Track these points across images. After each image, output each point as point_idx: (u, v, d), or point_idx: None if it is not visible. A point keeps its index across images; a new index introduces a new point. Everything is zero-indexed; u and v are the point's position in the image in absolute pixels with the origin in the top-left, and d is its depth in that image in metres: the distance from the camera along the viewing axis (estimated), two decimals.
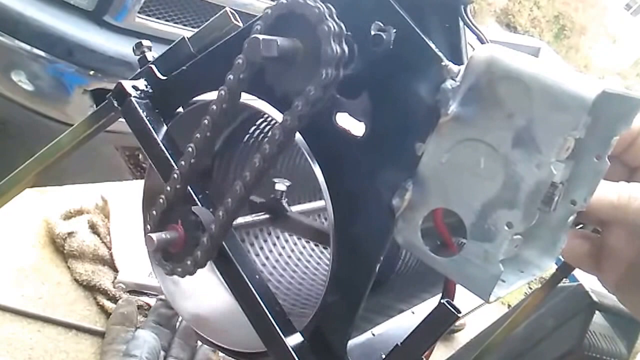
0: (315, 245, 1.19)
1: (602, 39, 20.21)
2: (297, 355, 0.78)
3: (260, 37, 0.71)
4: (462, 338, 3.87)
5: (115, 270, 2.68)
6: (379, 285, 0.92)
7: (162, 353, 2.39)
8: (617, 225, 0.74)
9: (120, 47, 2.10)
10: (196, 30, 1.00)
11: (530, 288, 3.08)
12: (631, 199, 0.69)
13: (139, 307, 2.56)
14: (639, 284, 0.75)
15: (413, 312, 1.01)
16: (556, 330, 3.06)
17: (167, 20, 2.23)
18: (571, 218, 0.71)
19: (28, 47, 1.98)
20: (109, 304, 2.54)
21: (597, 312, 2.97)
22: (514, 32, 16.63)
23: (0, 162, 1.97)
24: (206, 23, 0.99)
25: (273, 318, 0.80)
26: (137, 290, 2.65)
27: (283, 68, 0.75)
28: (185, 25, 2.28)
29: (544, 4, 17.86)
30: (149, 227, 0.88)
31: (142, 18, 2.16)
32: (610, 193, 0.69)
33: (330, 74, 0.70)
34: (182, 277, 0.85)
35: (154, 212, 0.87)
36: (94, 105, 2.06)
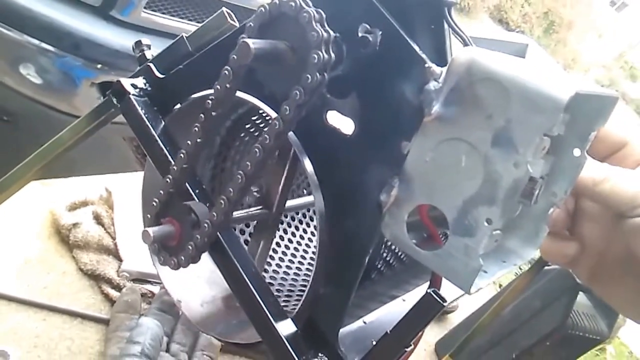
0: (309, 240, 1.20)
1: (589, 33, 20.23)
2: (290, 344, 0.79)
3: (249, 41, 0.71)
4: (455, 319, 3.89)
5: (120, 259, 2.69)
6: (371, 273, 0.92)
7: (166, 339, 2.40)
8: (590, 212, 0.76)
9: (127, 41, 2.08)
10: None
11: (521, 269, 3.11)
12: (606, 178, 0.69)
13: (143, 294, 2.57)
14: (611, 274, 0.76)
15: (404, 300, 1.01)
16: (542, 310, 3.11)
17: (172, 15, 2.22)
18: (552, 209, 0.71)
19: (36, 42, 1.97)
20: (113, 293, 2.55)
21: (580, 292, 3.01)
22: (506, 27, 16.66)
23: (10, 153, 1.97)
24: (203, 23, 0.99)
25: (266, 308, 0.80)
26: (140, 278, 2.66)
27: (274, 69, 0.75)
28: (190, 20, 2.27)
29: (534, 0, 17.88)
30: (146, 221, 0.89)
31: (148, 13, 2.15)
32: (592, 170, 0.69)
33: (316, 78, 0.70)
34: (177, 269, 0.85)
35: (152, 207, 0.88)
36: (101, 98, 2.06)
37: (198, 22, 2.27)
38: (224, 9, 0.98)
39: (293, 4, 0.71)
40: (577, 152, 0.68)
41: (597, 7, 21.17)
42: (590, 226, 0.76)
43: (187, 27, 2.24)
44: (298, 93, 0.71)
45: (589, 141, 0.68)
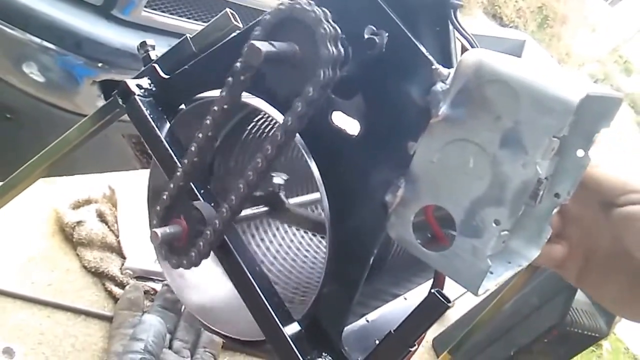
0: (313, 235, 1.19)
1: (583, 28, 20.22)
2: (294, 344, 0.78)
3: (257, 43, 0.71)
4: (453, 315, 3.89)
5: (123, 257, 2.68)
6: (374, 272, 0.92)
7: (168, 336, 2.39)
8: (575, 212, 0.76)
9: (127, 40, 2.10)
10: (202, 24, 0.99)
11: None
12: (599, 164, 0.70)
13: (146, 292, 2.56)
14: (600, 273, 0.76)
15: (405, 298, 1.00)
16: (541, 307, 3.10)
17: (172, 14, 2.22)
18: (555, 210, 0.71)
19: (38, 40, 1.98)
20: (116, 290, 2.54)
21: (579, 290, 3.00)
22: (500, 22, 16.64)
23: (14, 151, 1.98)
24: (208, 23, 0.99)
25: (272, 308, 0.80)
26: (143, 276, 2.65)
27: (282, 70, 0.75)
28: (189, 18, 2.27)
29: None
30: (154, 222, 0.88)
31: (149, 12, 2.15)
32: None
33: (328, 74, 0.70)
34: (186, 268, 0.85)
35: (158, 208, 0.87)
36: (102, 96, 2.08)
37: (198, 21, 2.27)
38: (227, 9, 0.97)
39: (300, 6, 0.71)
40: (580, 152, 0.68)
41: (591, 1, 21.17)
42: (575, 226, 0.76)
43: (187, 25, 2.24)
44: (311, 90, 0.70)
45: (593, 142, 0.68)
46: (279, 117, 0.80)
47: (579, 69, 18.78)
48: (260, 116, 1.11)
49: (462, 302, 3.77)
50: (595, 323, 3.08)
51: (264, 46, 0.71)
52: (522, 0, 17.78)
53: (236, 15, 0.97)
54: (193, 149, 0.83)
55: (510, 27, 16.49)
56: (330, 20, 0.71)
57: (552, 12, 18.81)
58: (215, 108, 0.79)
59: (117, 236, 2.70)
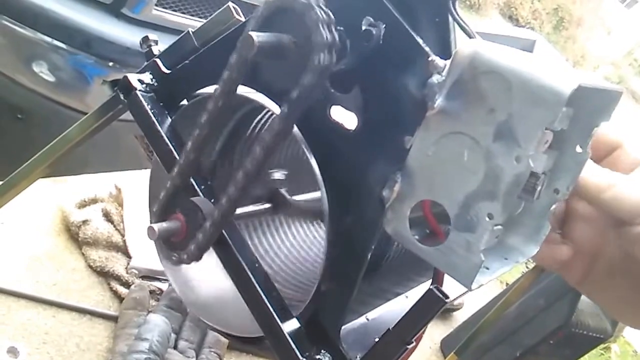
0: (316, 234, 1.19)
1: (598, 30, 20.17)
2: (293, 341, 0.78)
3: (253, 34, 0.70)
4: (460, 316, 3.90)
5: (128, 256, 2.69)
6: (375, 270, 0.91)
7: (173, 336, 2.40)
8: (583, 214, 0.75)
9: (138, 38, 2.10)
10: None
11: (527, 267, 3.12)
12: (610, 186, 0.68)
13: (151, 292, 2.58)
14: (604, 276, 0.75)
15: (406, 297, 1.00)
16: (546, 308, 3.11)
17: (184, 13, 2.22)
18: (554, 206, 0.71)
19: (49, 39, 1.98)
20: (122, 289, 2.56)
21: None
22: (516, 24, 16.61)
23: (24, 151, 1.99)
24: (209, 18, 0.99)
25: (270, 304, 0.80)
26: (149, 275, 2.67)
27: (277, 63, 0.75)
28: (200, 17, 2.27)
29: None
30: (151, 217, 0.88)
31: (160, 10, 2.15)
32: (596, 176, 0.68)
33: (314, 79, 0.69)
34: (176, 265, 0.85)
35: (158, 203, 0.87)
36: None
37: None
38: (230, 3, 0.98)
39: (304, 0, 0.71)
40: (579, 148, 0.68)
41: (607, 4, 21.10)
42: (583, 228, 0.75)
43: (198, 24, 2.23)
44: (297, 93, 0.70)
45: (591, 137, 0.67)
46: (275, 109, 0.80)
47: (593, 71, 18.75)
48: (266, 110, 1.11)
49: (469, 304, 3.79)
50: (600, 324, 3.08)
51: (257, 36, 0.70)
52: (538, 1, 17.77)
53: (238, 9, 0.97)
54: (192, 143, 0.83)
55: (527, 28, 16.49)
56: (322, 6, 0.70)
57: (568, 14, 18.80)
58: (212, 101, 0.79)
59: (122, 235, 2.72)
